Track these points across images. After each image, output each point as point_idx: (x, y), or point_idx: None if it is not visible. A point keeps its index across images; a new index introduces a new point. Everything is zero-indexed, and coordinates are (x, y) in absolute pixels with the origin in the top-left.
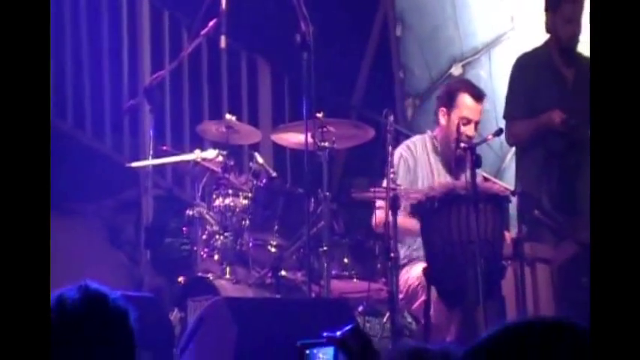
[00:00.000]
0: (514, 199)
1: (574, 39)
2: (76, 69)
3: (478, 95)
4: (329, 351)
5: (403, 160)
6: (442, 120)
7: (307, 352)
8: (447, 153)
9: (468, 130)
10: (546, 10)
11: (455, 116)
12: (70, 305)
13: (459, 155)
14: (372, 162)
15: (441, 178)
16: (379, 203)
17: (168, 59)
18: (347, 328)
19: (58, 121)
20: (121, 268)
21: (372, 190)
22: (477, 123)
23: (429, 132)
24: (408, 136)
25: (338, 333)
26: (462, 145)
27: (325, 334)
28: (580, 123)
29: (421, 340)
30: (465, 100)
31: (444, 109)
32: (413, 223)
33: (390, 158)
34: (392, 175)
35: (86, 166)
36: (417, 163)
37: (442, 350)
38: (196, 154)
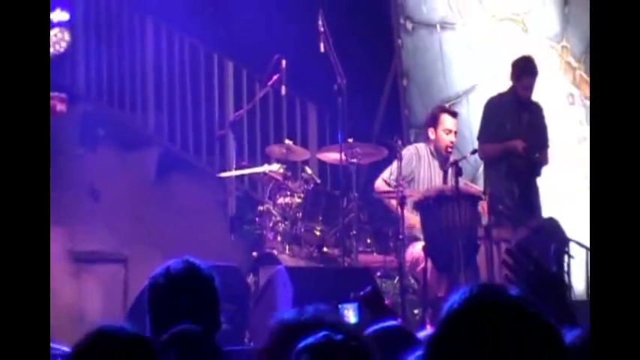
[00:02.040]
0: (485, 198)
1: (529, 97)
2: (183, 109)
3: (453, 113)
4: (354, 305)
5: (411, 155)
6: (431, 135)
7: (339, 306)
8: (439, 157)
9: (451, 137)
10: (512, 75)
11: (440, 130)
12: (174, 270)
13: (447, 168)
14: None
15: (436, 178)
16: (392, 201)
17: (245, 101)
18: (367, 289)
19: (170, 145)
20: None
21: (387, 192)
22: (455, 132)
23: (423, 146)
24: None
25: (361, 293)
26: (450, 153)
27: (352, 294)
28: (531, 150)
29: (420, 294)
30: (445, 117)
31: (432, 128)
32: (415, 215)
33: (399, 170)
34: (397, 170)
35: (189, 176)
36: (420, 160)
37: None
38: (265, 167)
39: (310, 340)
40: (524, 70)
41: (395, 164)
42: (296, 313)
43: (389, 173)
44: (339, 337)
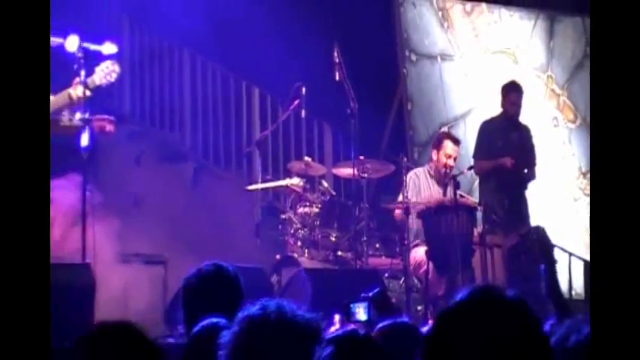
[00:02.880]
0: (480, 208)
1: (517, 114)
2: (215, 129)
3: (456, 140)
4: (364, 305)
5: (412, 180)
6: (434, 156)
7: (350, 305)
8: (438, 176)
9: (450, 161)
10: (501, 95)
11: (442, 154)
12: (205, 272)
13: (447, 182)
14: (393, 186)
15: (435, 195)
16: (397, 211)
17: (269, 123)
18: (376, 290)
19: (204, 161)
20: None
21: (394, 202)
22: (455, 158)
23: (426, 166)
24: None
25: (370, 293)
26: (448, 173)
27: (362, 294)
28: (520, 166)
29: (422, 293)
30: (447, 143)
31: (435, 150)
32: (418, 223)
33: (405, 183)
34: (405, 191)
35: (220, 188)
36: (420, 183)
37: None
38: (287, 181)
39: (336, 333)
40: (510, 87)
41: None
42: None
43: (401, 197)
44: (362, 333)
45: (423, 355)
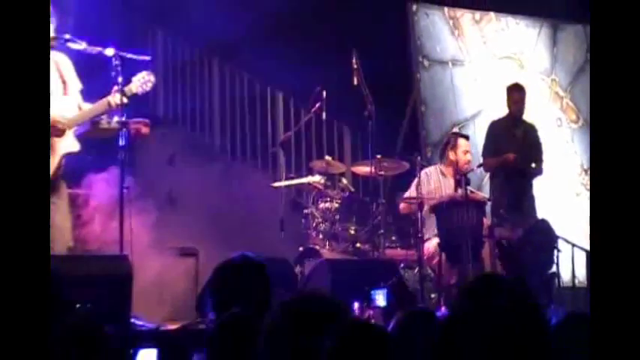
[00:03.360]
0: (489, 203)
1: (520, 113)
2: (242, 131)
3: (466, 137)
4: (383, 291)
5: (425, 177)
6: (452, 157)
7: (371, 292)
8: (454, 175)
9: (467, 156)
10: (506, 95)
11: (459, 152)
12: (233, 263)
13: (458, 178)
14: (407, 183)
15: (447, 190)
16: (402, 205)
17: (293, 125)
18: (394, 279)
19: (232, 160)
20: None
21: (409, 198)
22: (469, 152)
23: (438, 164)
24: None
25: (389, 282)
26: (469, 169)
27: (381, 283)
28: (525, 161)
29: (435, 282)
30: (461, 141)
31: (452, 151)
32: (431, 217)
33: (418, 179)
34: (418, 187)
35: (247, 185)
36: (431, 180)
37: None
38: (309, 179)
39: (335, 326)
40: (513, 88)
41: (413, 186)
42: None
43: (408, 193)
44: (362, 321)
45: (440, 337)
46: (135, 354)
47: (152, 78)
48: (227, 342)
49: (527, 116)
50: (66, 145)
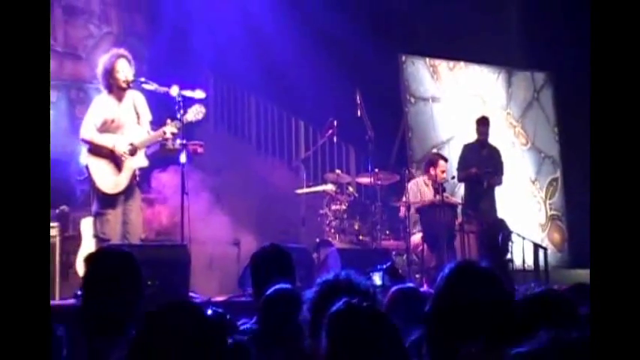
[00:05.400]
0: (460, 206)
1: (486, 138)
2: (273, 150)
3: (445, 159)
4: (380, 273)
5: (412, 186)
6: (432, 172)
7: (370, 273)
8: (431, 183)
9: (443, 175)
10: (475, 125)
11: (438, 170)
12: (266, 251)
13: (437, 187)
14: (398, 190)
15: (428, 196)
16: (402, 209)
17: (311, 146)
18: (388, 263)
19: (265, 172)
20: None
21: (399, 201)
22: (445, 171)
23: (422, 176)
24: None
25: (384, 266)
26: (441, 181)
27: (378, 266)
28: (487, 174)
29: (419, 265)
30: (441, 162)
31: (432, 167)
32: (416, 216)
33: (406, 188)
34: (407, 194)
35: (277, 191)
36: (417, 188)
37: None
38: (324, 187)
39: (334, 308)
40: (480, 120)
41: (406, 193)
42: (333, 277)
43: (404, 198)
44: (357, 303)
45: (429, 310)
46: None
47: (203, 109)
48: (276, 309)
49: (490, 139)
50: (138, 161)
